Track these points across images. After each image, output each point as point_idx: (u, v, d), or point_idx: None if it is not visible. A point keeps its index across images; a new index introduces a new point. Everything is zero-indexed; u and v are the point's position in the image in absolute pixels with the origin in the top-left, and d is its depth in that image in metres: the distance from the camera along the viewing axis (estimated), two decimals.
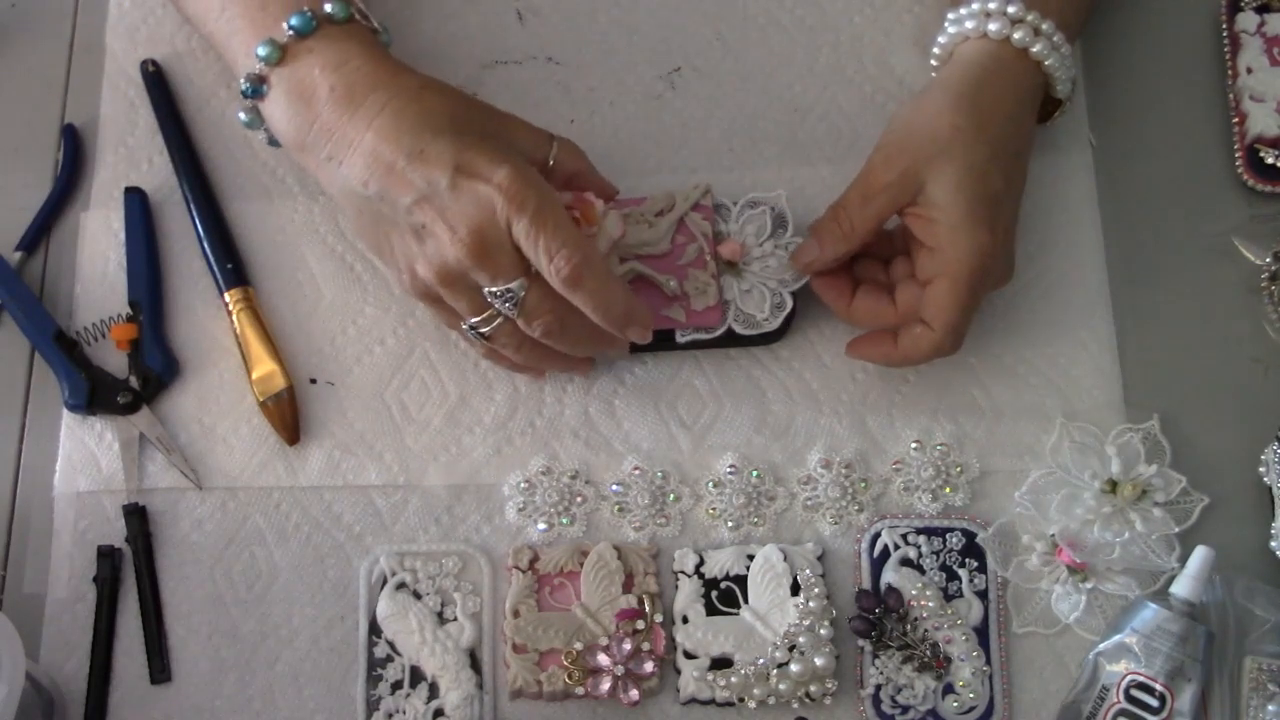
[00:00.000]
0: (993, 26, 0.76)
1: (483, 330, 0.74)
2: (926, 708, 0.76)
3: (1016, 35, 0.76)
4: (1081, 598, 0.77)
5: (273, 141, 0.79)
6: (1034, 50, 0.76)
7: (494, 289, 0.71)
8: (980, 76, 0.76)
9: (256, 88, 0.75)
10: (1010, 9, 0.76)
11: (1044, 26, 0.76)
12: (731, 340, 0.80)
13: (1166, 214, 0.84)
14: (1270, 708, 0.72)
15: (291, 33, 0.74)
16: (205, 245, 0.84)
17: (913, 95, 0.86)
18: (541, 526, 0.80)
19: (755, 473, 0.80)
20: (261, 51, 0.74)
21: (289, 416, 0.81)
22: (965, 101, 0.75)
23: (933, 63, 0.81)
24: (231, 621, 0.79)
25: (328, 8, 0.74)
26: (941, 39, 0.79)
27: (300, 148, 0.75)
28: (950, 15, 0.78)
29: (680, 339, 0.79)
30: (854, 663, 0.77)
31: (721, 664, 0.76)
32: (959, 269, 0.73)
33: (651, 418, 0.82)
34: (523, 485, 0.80)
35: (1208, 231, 0.84)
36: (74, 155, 0.88)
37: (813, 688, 0.75)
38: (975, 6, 0.77)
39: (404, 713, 0.77)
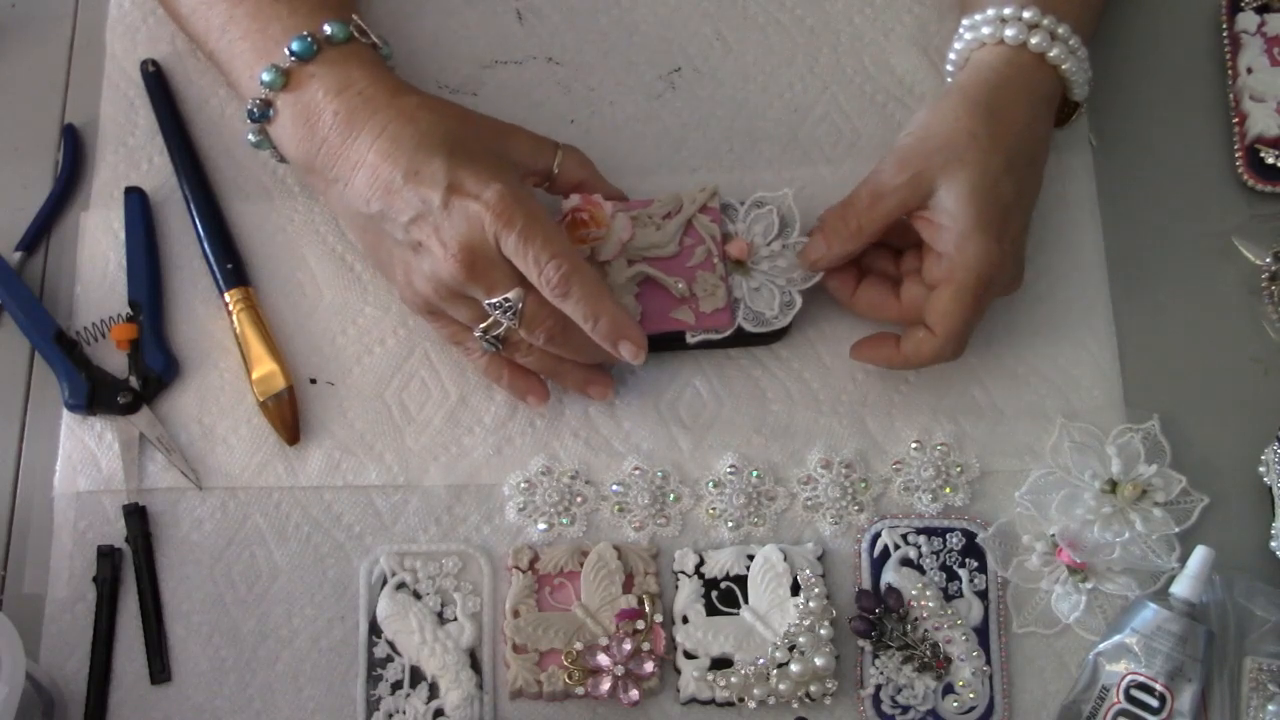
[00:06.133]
0: (1009, 32, 0.76)
1: (494, 334, 0.74)
2: (926, 708, 0.76)
3: (1034, 40, 0.75)
4: (1081, 598, 0.77)
5: (281, 159, 0.80)
6: (1051, 55, 0.76)
7: (492, 301, 0.72)
8: (998, 83, 0.75)
9: (263, 112, 0.76)
10: (1026, 14, 0.75)
11: (1060, 30, 0.75)
12: (741, 339, 0.80)
13: (1166, 214, 0.84)
14: (1270, 708, 0.72)
15: (294, 58, 0.74)
16: (205, 245, 0.84)
17: (913, 96, 0.86)
18: (541, 526, 0.80)
19: (755, 473, 0.80)
20: (266, 77, 0.75)
21: (289, 416, 0.81)
22: (982, 108, 0.74)
23: (948, 68, 0.81)
24: (231, 621, 0.79)
25: (328, 29, 0.75)
26: (958, 45, 0.79)
27: (309, 169, 0.77)
28: (965, 21, 0.78)
29: (691, 339, 0.79)
30: (854, 663, 0.77)
31: (721, 664, 0.76)
32: (965, 277, 0.73)
33: (651, 418, 0.82)
34: (523, 485, 0.80)
35: (1208, 231, 0.84)
36: (74, 155, 0.88)
37: (813, 688, 0.75)
38: (991, 12, 0.76)
39: (404, 713, 0.77)
